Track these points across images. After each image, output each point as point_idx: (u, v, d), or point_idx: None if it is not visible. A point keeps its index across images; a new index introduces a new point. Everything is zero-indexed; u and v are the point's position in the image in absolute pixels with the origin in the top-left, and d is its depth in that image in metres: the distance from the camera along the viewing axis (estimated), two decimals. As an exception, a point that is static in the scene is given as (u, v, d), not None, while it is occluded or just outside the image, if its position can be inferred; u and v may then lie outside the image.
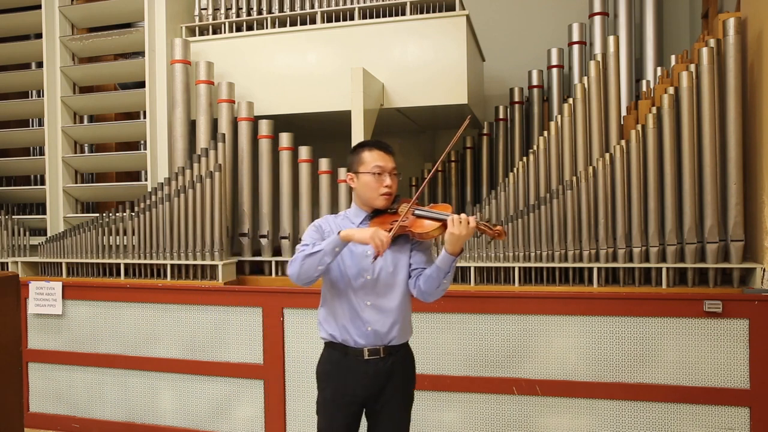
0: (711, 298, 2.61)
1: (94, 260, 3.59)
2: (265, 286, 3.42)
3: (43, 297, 3.52)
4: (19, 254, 3.92)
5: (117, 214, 3.56)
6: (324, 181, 3.56)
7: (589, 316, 2.77)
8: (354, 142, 3.10)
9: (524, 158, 3.15)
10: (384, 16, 3.65)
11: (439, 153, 4.87)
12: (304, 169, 3.58)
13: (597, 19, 4.00)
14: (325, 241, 1.92)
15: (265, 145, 3.64)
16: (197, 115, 3.69)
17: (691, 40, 4.27)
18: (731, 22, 2.84)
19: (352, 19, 3.70)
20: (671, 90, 2.90)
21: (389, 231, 1.87)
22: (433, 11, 3.57)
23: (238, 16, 3.93)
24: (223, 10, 3.94)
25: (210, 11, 3.95)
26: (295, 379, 3.11)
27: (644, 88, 3.68)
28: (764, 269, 2.73)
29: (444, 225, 1.89)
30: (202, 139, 3.65)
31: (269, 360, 3.14)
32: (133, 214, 3.52)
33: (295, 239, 3.62)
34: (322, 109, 3.68)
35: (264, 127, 3.64)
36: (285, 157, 3.62)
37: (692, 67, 2.87)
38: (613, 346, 2.75)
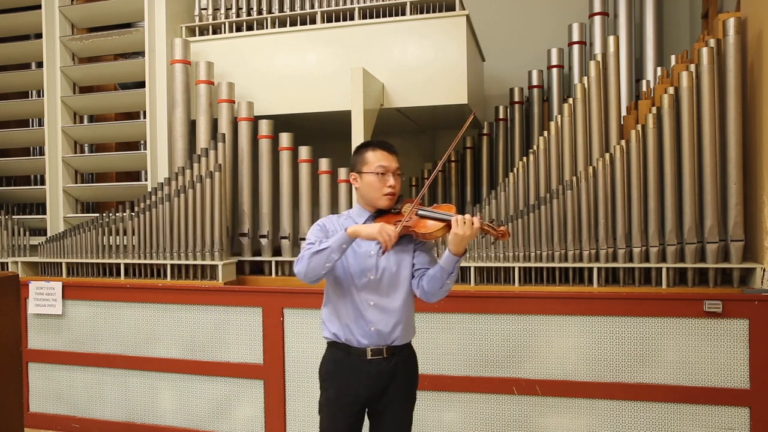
0: (711, 298, 2.61)
1: (94, 260, 3.59)
2: (265, 286, 3.42)
3: (43, 297, 3.52)
4: (19, 254, 3.92)
5: (117, 214, 3.56)
6: (324, 181, 3.56)
7: (589, 316, 2.77)
8: (354, 142, 3.10)
9: (524, 158, 3.15)
10: (384, 16, 3.65)
11: (439, 153, 4.88)
12: (304, 169, 3.58)
13: (597, 19, 4.00)
14: (332, 238, 1.93)
15: (265, 145, 3.64)
16: (197, 115, 3.69)
17: (691, 40, 4.27)
18: (731, 22, 2.84)
19: (352, 19, 3.70)
20: (671, 90, 2.90)
21: (395, 227, 1.87)
22: (433, 11, 3.57)
23: (238, 16, 3.93)
24: (223, 10, 3.94)
25: (210, 11, 3.95)
26: (295, 379, 3.11)
27: (644, 88, 3.68)
28: (764, 269, 2.73)
29: (448, 225, 1.89)
30: (202, 139, 3.65)
31: (269, 360, 3.14)
32: (133, 214, 3.52)
33: (295, 239, 3.62)
34: (322, 109, 3.68)
35: (264, 127, 3.64)
36: (285, 157, 3.62)
37: (692, 67, 2.87)
38: (613, 346, 2.75)
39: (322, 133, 4.48)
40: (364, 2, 3.66)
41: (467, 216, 1.87)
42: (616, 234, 2.96)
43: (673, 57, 3.49)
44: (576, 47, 4.05)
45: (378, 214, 2.05)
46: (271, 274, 3.66)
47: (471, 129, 4.44)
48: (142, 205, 3.51)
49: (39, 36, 4.02)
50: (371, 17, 3.67)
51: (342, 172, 3.54)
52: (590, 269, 3.01)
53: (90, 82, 4.15)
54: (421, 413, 2.91)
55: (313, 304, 3.05)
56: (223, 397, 3.24)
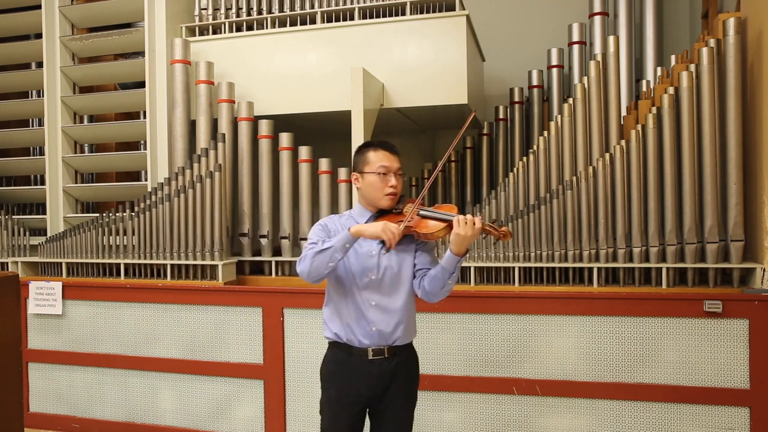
0: (711, 298, 2.61)
1: (94, 260, 3.59)
2: (265, 286, 3.42)
3: (43, 297, 3.52)
4: (19, 254, 3.92)
5: (117, 214, 3.56)
6: (324, 181, 3.56)
7: (589, 316, 2.77)
8: (354, 142, 3.10)
9: (524, 158, 3.15)
10: (384, 16, 3.65)
11: (439, 153, 4.88)
12: (304, 169, 3.58)
13: (597, 19, 4.00)
14: (335, 237, 1.93)
15: (265, 145, 3.64)
16: (197, 115, 3.69)
17: (691, 40, 4.27)
18: (731, 22, 2.84)
19: (352, 19, 3.70)
20: (671, 90, 2.90)
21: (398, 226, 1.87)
22: (433, 11, 3.57)
23: (238, 16, 3.93)
24: (223, 10, 3.94)
25: (210, 11, 3.95)
26: (295, 379, 3.11)
27: (644, 88, 3.68)
28: (764, 269, 2.73)
29: (449, 226, 1.89)
30: (202, 139, 3.65)
31: (269, 360, 3.14)
32: (133, 214, 3.52)
33: (295, 239, 3.62)
34: (322, 109, 3.68)
35: (264, 127, 3.64)
36: (285, 157, 3.62)
37: (692, 67, 2.87)
38: (613, 346, 2.75)
39: (322, 133, 4.48)
40: (364, 2, 3.66)
41: (469, 216, 1.87)
42: (616, 234, 2.96)
43: (673, 57, 3.48)
44: (576, 47, 4.05)
45: (379, 214, 2.05)
46: (271, 274, 3.66)
47: (471, 129, 4.44)
48: (142, 205, 3.51)
49: (39, 36, 4.02)
50: (371, 17, 3.67)
51: (342, 172, 3.54)
52: (590, 269, 3.01)
53: (90, 82, 4.15)
54: (421, 413, 2.90)
55: (313, 304, 3.05)
56: (223, 397, 3.24)
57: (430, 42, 3.50)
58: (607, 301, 2.75)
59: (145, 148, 3.83)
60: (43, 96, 3.99)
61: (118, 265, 3.59)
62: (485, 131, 4.28)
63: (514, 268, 3.09)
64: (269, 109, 3.76)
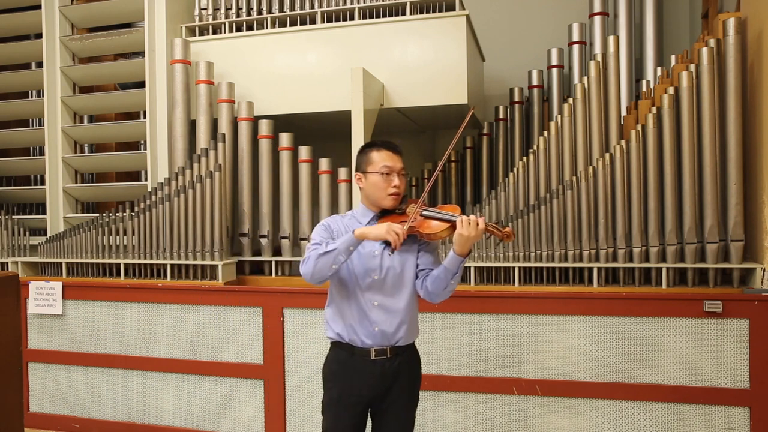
0: (711, 298, 2.61)
1: (94, 260, 3.59)
2: (265, 286, 3.42)
3: (43, 297, 3.52)
4: (19, 254, 3.92)
5: (117, 214, 3.56)
6: (324, 181, 3.56)
7: (589, 316, 2.77)
8: (354, 142, 3.10)
9: (524, 158, 3.15)
10: (384, 16, 3.65)
11: (439, 153, 4.88)
12: (304, 169, 3.58)
13: (597, 19, 4.00)
14: (339, 239, 1.92)
15: (265, 145, 3.64)
16: (197, 115, 3.69)
17: (691, 40, 4.27)
18: (731, 22, 2.84)
19: (352, 19, 3.70)
20: (671, 90, 2.90)
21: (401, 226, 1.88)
22: (433, 11, 3.57)
23: (238, 16, 3.93)
24: (223, 10, 3.94)
25: (210, 11, 3.95)
26: (295, 379, 3.11)
27: (644, 88, 3.68)
28: (764, 269, 2.73)
29: (452, 226, 1.89)
30: (202, 139, 3.65)
31: (269, 360, 3.14)
32: (133, 214, 3.52)
33: (295, 239, 3.62)
34: (322, 109, 3.68)
35: (264, 127, 3.64)
36: (285, 157, 3.62)
37: (692, 67, 2.87)
38: (613, 346, 2.75)
39: (322, 133, 4.48)
40: (364, 2, 3.66)
41: (472, 217, 1.87)
42: (616, 234, 2.96)
43: (673, 57, 3.49)
44: (576, 47, 4.05)
45: (382, 214, 2.05)
46: (271, 274, 3.66)
47: (471, 129, 4.44)
48: (142, 205, 3.51)
49: (39, 36, 4.02)
50: (371, 17, 3.67)
51: (342, 172, 3.55)
52: (590, 269, 3.01)
53: (90, 82, 4.15)
54: (422, 413, 2.90)
55: (313, 304, 3.05)
56: (223, 397, 3.24)
57: (430, 42, 3.50)
58: (607, 301, 2.75)
59: (145, 148, 3.83)
60: (43, 96, 3.99)
61: (118, 265, 3.59)
62: (485, 131, 4.28)
63: (514, 268, 3.09)
64: (269, 109, 3.76)
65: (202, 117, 3.67)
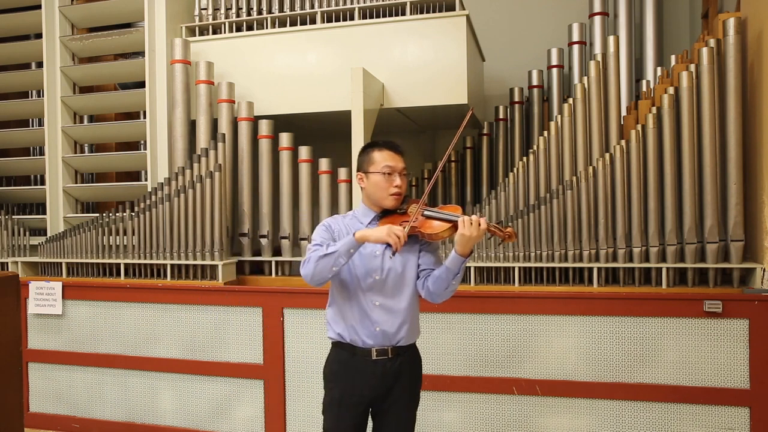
0: (711, 298, 2.61)
1: (94, 260, 3.59)
2: (265, 286, 3.42)
3: (43, 297, 3.52)
4: (19, 254, 3.92)
5: (117, 214, 3.56)
6: (324, 181, 3.56)
7: (589, 316, 2.77)
8: (354, 142, 3.10)
9: (524, 158, 3.15)
10: (384, 16, 3.65)
11: (439, 153, 4.88)
12: (304, 169, 3.58)
13: (597, 19, 4.00)
14: (339, 242, 1.92)
15: (265, 145, 3.64)
16: (197, 115, 3.69)
17: (691, 40, 4.27)
18: (731, 22, 2.84)
19: (352, 19, 3.70)
20: (671, 90, 2.90)
21: (402, 227, 1.88)
22: (433, 11, 3.57)
23: (238, 16, 3.93)
24: (223, 10, 3.94)
25: (210, 11, 3.95)
26: (295, 379, 3.11)
27: (644, 88, 3.68)
28: (764, 269, 2.73)
29: (454, 226, 1.89)
30: (202, 139, 3.65)
31: (269, 360, 3.14)
32: (133, 214, 3.52)
33: (295, 239, 3.62)
34: (322, 109, 3.68)
35: (264, 127, 3.64)
36: (285, 157, 3.62)
37: (692, 67, 2.87)
38: (613, 346, 2.75)
39: (322, 133, 4.48)
40: (364, 2, 3.66)
41: (474, 217, 1.86)
42: (616, 234, 2.96)
43: (673, 57, 3.49)
44: (576, 47, 4.05)
45: (383, 214, 2.05)
46: (271, 274, 3.66)
47: (471, 129, 4.44)
48: (142, 205, 3.51)
49: (39, 36, 4.02)
50: (371, 17, 3.67)
51: (342, 172, 3.55)
52: (590, 269, 3.01)
53: (90, 82, 4.15)
54: (422, 413, 2.89)
55: (313, 304, 3.05)
56: (223, 397, 3.24)
57: (430, 42, 3.50)
58: (607, 301, 2.75)
59: (145, 148, 3.83)
60: (43, 96, 3.99)
61: (118, 265, 3.59)
62: (485, 131, 4.28)
63: (514, 268, 3.09)
64: (269, 109, 3.76)
65: (202, 117, 3.67)
